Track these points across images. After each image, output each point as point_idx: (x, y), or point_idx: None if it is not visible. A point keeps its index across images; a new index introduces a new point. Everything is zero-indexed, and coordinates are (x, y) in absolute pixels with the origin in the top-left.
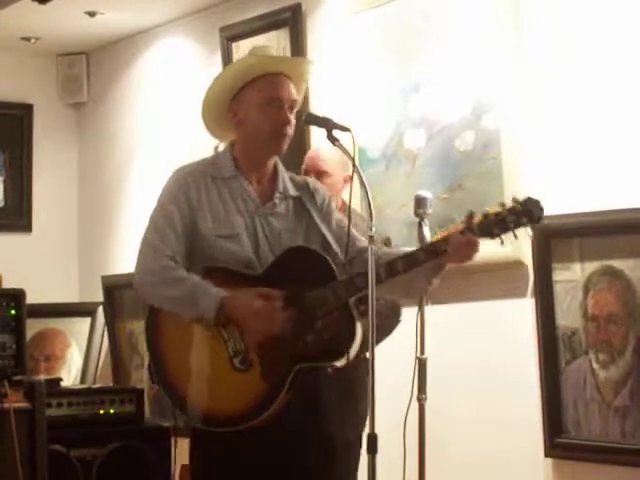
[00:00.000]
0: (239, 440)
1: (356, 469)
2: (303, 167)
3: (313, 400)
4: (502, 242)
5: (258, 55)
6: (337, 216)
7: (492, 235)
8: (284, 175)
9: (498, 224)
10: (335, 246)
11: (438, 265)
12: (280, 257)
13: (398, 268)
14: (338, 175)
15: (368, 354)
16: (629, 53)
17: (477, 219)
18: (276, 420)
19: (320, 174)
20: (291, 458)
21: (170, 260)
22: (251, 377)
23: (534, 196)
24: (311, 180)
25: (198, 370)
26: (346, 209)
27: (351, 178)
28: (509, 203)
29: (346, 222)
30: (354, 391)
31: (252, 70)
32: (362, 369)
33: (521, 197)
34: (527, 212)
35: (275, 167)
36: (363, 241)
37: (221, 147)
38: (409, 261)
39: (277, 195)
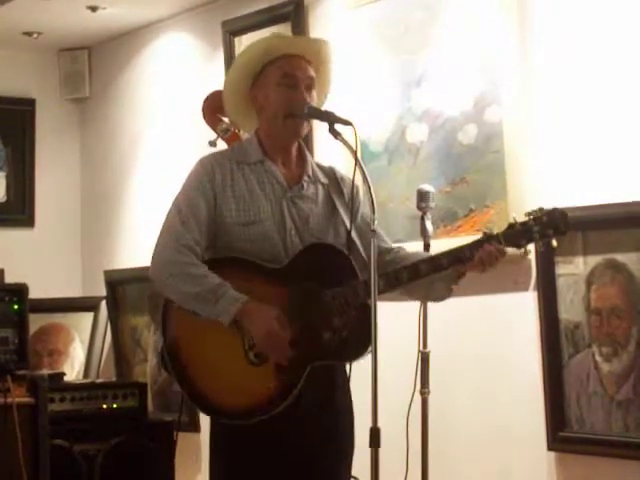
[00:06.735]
0: (255, 432)
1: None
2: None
3: (329, 395)
4: (526, 253)
5: (271, 37)
6: (363, 210)
7: (518, 246)
8: (312, 161)
9: (524, 235)
10: (358, 242)
11: (459, 272)
12: (302, 252)
13: (421, 271)
14: None
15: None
16: (632, 46)
17: (502, 230)
18: (292, 412)
19: None
20: (308, 452)
21: (191, 253)
22: (265, 372)
23: (560, 207)
24: (337, 168)
25: (212, 361)
26: None
27: (354, 172)
28: (535, 212)
29: (373, 218)
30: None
31: (268, 52)
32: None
33: (547, 207)
34: (553, 224)
35: (301, 151)
36: (387, 242)
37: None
38: (432, 265)
39: (305, 178)
